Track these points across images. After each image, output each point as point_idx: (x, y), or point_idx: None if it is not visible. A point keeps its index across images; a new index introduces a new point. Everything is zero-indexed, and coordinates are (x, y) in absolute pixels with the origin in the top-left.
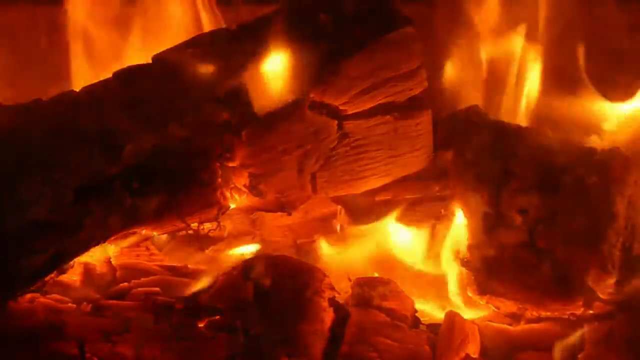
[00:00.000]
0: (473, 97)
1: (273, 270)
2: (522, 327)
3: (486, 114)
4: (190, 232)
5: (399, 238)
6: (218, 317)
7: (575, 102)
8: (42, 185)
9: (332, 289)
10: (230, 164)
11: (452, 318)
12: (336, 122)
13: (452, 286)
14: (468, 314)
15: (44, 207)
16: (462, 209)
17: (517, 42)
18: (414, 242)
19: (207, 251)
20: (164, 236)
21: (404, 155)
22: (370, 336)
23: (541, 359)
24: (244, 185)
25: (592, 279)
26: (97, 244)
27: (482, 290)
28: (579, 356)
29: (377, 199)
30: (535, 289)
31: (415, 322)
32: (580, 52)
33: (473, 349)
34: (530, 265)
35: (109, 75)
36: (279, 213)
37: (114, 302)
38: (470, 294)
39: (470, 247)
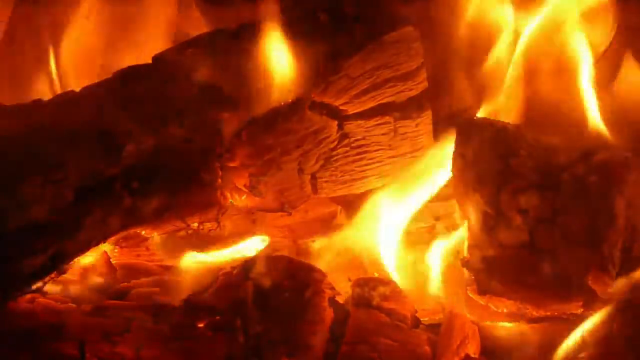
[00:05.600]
0: (473, 97)
1: (273, 270)
2: (522, 327)
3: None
4: (190, 232)
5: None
6: (218, 317)
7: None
8: (42, 186)
9: (332, 289)
10: (231, 164)
11: (452, 318)
12: (336, 122)
13: (453, 286)
14: (468, 314)
15: (44, 207)
16: (462, 209)
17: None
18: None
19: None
20: (164, 236)
21: (404, 155)
22: (370, 336)
23: (541, 358)
24: (244, 185)
25: (592, 279)
26: (97, 244)
27: (482, 290)
28: (579, 356)
29: None
30: (535, 289)
31: (415, 322)
32: None
33: (473, 349)
34: (530, 265)
35: None
36: (279, 213)
37: (114, 302)
38: (470, 294)
39: (470, 247)
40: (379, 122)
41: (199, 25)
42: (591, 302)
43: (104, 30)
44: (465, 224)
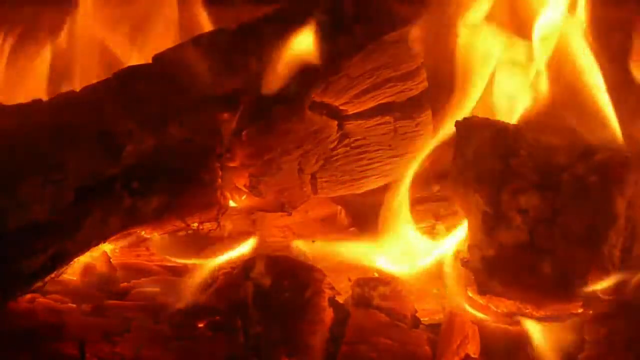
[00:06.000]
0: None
1: (273, 270)
2: (522, 327)
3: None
4: (190, 232)
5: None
6: (218, 317)
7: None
8: (42, 186)
9: (332, 289)
10: (231, 164)
11: (452, 318)
12: (336, 122)
13: (453, 286)
14: (468, 314)
15: (44, 207)
16: (462, 209)
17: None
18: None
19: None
20: (164, 236)
21: (404, 155)
22: (370, 336)
23: (540, 358)
24: (244, 185)
25: (592, 279)
26: (97, 244)
27: (482, 290)
28: (579, 356)
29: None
30: (535, 289)
31: (415, 322)
32: None
33: (473, 349)
34: (530, 265)
35: None
36: (279, 213)
37: (114, 302)
38: (470, 294)
39: (470, 247)
40: (379, 122)
41: (199, 25)
42: (591, 302)
43: (106, 29)
44: (466, 224)
